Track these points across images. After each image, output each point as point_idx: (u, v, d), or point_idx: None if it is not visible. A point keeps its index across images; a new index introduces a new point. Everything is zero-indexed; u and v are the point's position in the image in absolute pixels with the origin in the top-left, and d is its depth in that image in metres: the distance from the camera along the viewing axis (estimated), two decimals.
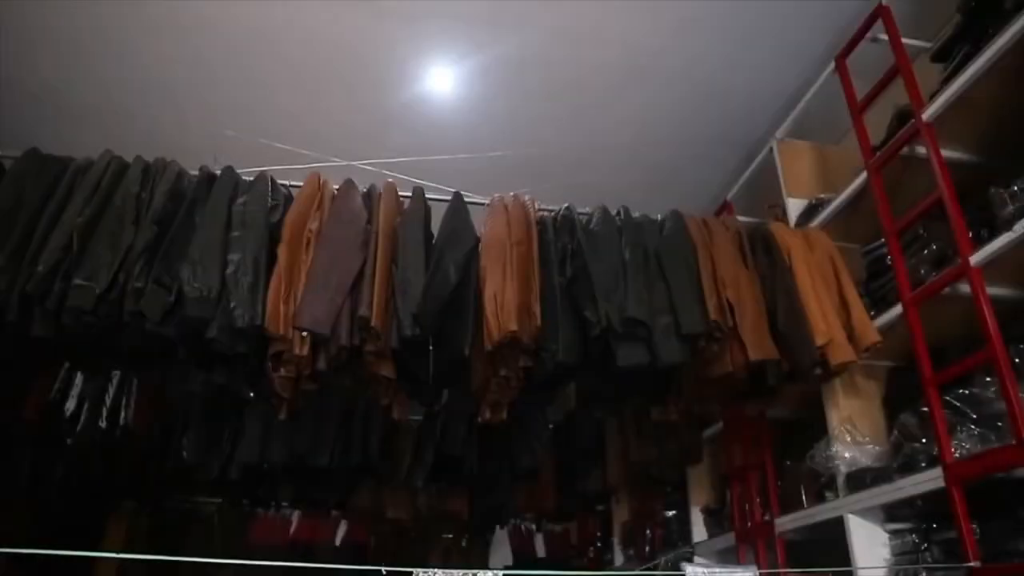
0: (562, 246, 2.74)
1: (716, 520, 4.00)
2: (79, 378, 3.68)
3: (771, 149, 3.69)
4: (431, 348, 2.59)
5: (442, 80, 3.59)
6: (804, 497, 3.13)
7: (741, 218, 3.55)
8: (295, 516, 5.69)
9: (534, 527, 6.20)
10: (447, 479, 4.35)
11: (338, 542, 5.77)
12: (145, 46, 3.43)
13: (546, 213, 2.88)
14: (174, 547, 5.73)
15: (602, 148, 3.98)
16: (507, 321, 2.41)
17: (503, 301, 2.45)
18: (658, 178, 4.23)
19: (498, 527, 5.81)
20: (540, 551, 6.17)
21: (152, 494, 5.02)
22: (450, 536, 6.09)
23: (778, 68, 3.57)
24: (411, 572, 1.82)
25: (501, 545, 6.05)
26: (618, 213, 2.89)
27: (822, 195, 3.30)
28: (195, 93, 3.61)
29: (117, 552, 5.63)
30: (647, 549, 4.73)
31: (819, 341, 2.59)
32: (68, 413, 3.65)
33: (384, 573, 1.84)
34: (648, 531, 4.75)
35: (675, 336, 2.55)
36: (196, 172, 2.64)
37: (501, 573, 1.82)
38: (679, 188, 4.21)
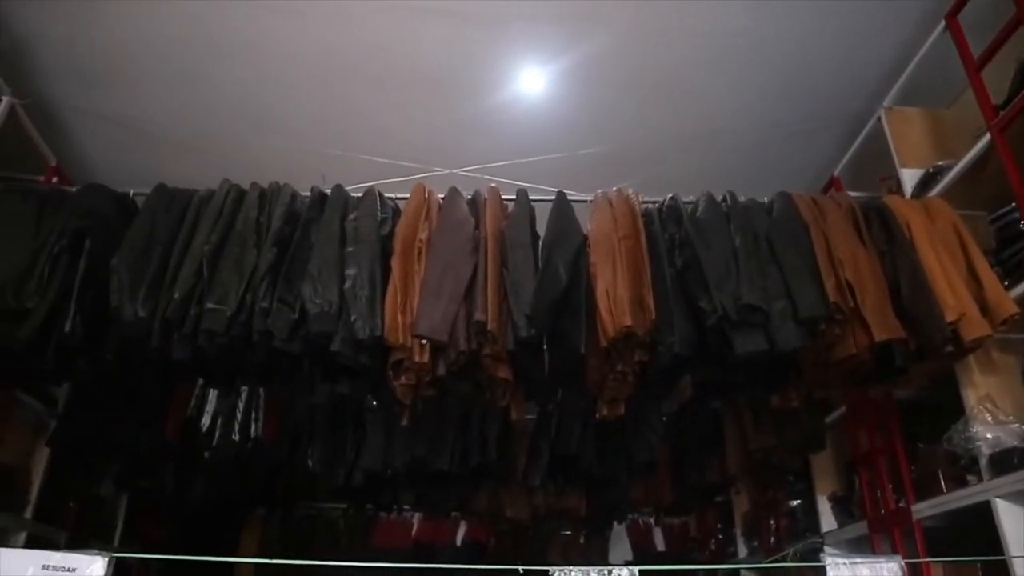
0: (669, 236, 2.71)
1: (844, 508, 3.86)
2: (212, 396, 3.91)
3: (879, 119, 3.53)
4: (545, 348, 2.62)
5: (533, 81, 3.60)
6: (942, 482, 2.97)
7: (852, 194, 3.41)
8: (416, 518, 5.84)
9: (652, 521, 6.14)
10: (563, 476, 4.37)
11: (459, 542, 5.89)
12: (243, 77, 3.60)
13: (650, 205, 2.85)
14: (303, 551, 6.00)
15: (698, 135, 3.89)
16: (621, 316, 2.40)
17: (616, 296, 2.44)
18: (758, 160, 4.10)
19: (616, 522, 5.80)
20: (660, 545, 6.11)
21: (281, 502, 5.26)
22: (567, 533, 6.12)
23: (879, 34, 3.40)
24: (548, 571, 1.84)
25: (620, 540, 6.03)
26: (724, 199, 2.84)
27: (939, 162, 3.14)
28: (296, 118, 3.75)
29: (252, 557, 5.97)
30: (772, 540, 4.61)
31: (950, 317, 2.45)
32: (204, 429, 3.88)
33: (521, 572, 1.87)
34: (772, 521, 4.63)
35: (792, 320, 2.48)
36: (307, 193, 2.76)
37: (637, 570, 1.80)
38: (781, 169, 4.08)
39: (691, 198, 2.87)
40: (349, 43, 3.41)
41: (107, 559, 1.75)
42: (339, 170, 2.80)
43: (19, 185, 3.04)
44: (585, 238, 2.65)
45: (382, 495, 4.71)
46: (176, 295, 2.43)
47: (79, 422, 3.85)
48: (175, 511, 5.09)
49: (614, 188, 2.85)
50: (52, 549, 3.24)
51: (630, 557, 5.95)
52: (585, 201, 2.86)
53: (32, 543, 3.87)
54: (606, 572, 1.87)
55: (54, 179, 3.82)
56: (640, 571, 1.83)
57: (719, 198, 2.84)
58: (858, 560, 2.16)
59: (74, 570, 1.75)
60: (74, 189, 2.97)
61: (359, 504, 5.11)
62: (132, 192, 2.95)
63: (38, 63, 3.63)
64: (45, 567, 1.73)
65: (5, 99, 3.48)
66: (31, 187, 3.10)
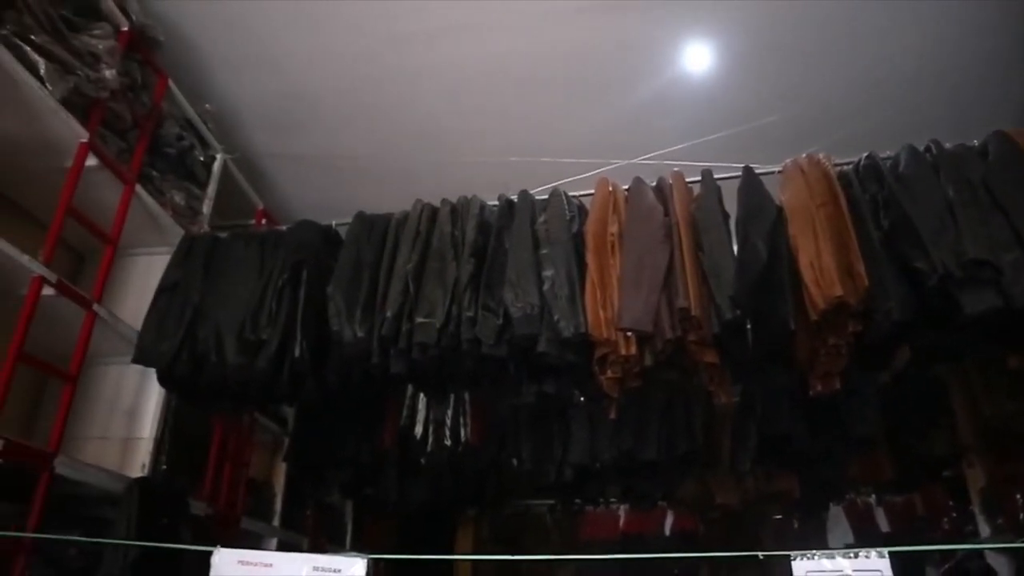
0: (871, 197, 2.56)
1: None
2: (422, 405, 4.14)
3: None
4: (749, 327, 2.54)
5: (699, 58, 3.52)
6: None
7: None
8: (622, 510, 5.86)
9: (872, 500, 5.77)
10: (774, 458, 4.20)
11: (667, 532, 5.84)
12: (421, 102, 3.81)
13: (845, 166, 2.70)
14: (515, 547, 6.21)
15: (884, 84, 3.61)
16: (830, 287, 2.29)
17: (821, 266, 2.34)
18: (954, 105, 3.74)
19: (832, 503, 5.50)
20: (883, 525, 5.72)
21: (491, 501, 5.46)
22: (779, 517, 5.89)
23: None
24: (788, 555, 1.79)
25: (838, 522, 5.72)
26: (928, 149, 2.63)
27: None
28: (474, 132, 3.92)
29: (467, 554, 6.26)
30: (1022, 516, 4.18)
31: None
32: (418, 437, 4.12)
33: (761, 558, 1.83)
34: (1020, 496, 4.19)
35: None
36: (495, 202, 2.86)
37: (887, 551, 1.70)
38: (982, 112, 3.67)
39: (889, 153, 2.68)
40: (515, 52, 3.51)
41: (366, 560, 1.91)
42: (521, 176, 2.89)
43: (241, 231, 3.39)
44: (780, 210, 2.55)
45: (588, 488, 4.76)
46: (388, 313, 2.60)
47: (308, 439, 4.23)
48: (396, 514, 5.44)
49: (803, 155, 2.72)
50: (297, 552, 3.57)
51: (850, 539, 5.63)
52: (774, 172, 2.76)
53: (281, 547, 4.31)
54: (852, 555, 1.78)
55: (263, 221, 4.22)
56: (890, 552, 1.73)
57: (921, 148, 2.63)
58: None
59: (339, 571, 1.92)
60: (285, 228, 3.26)
61: (566, 499, 5.20)
62: (334, 223, 3.19)
63: (240, 120, 4.04)
64: (315, 568, 1.92)
65: (219, 156, 3.90)
66: (250, 231, 3.45)
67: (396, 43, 3.51)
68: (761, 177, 2.72)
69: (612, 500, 5.60)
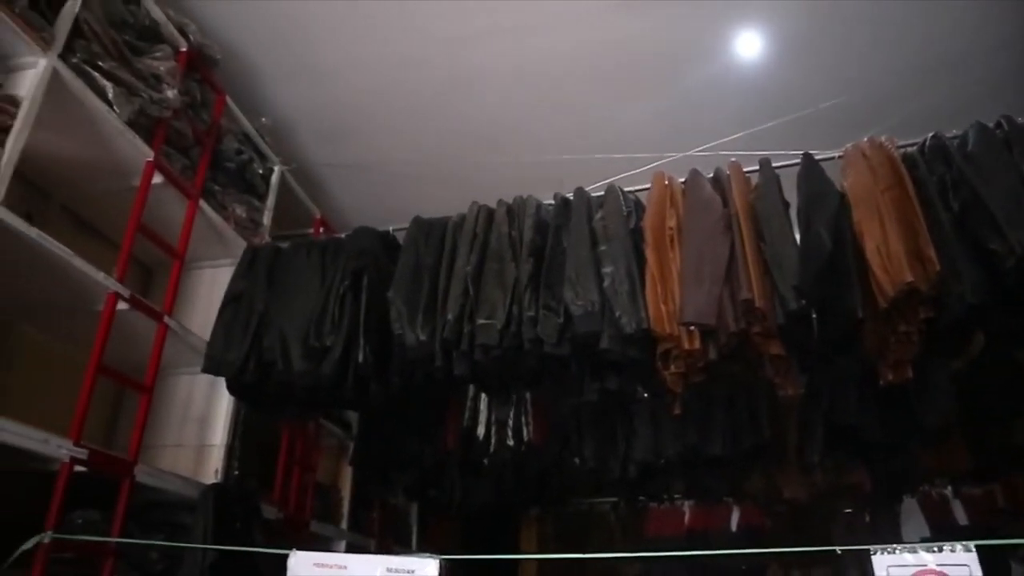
0: (939, 178, 2.47)
1: None
2: (483, 406, 4.17)
3: None
4: (814, 317, 2.49)
5: (749, 45, 3.46)
6: None
7: None
8: (687, 506, 5.79)
9: (949, 492, 5.57)
10: (843, 450, 4.10)
11: (733, 527, 5.75)
12: (471, 104, 3.85)
13: (909, 148, 2.62)
14: (579, 545, 6.20)
15: (946, 60, 3.49)
16: (899, 272, 2.23)
17: (889, 252, 2.28)
18: (1018, 76, 3.60)
19: (906, 496, 5.34)
20: (961, 518, 5.52)
21: (554, 500, 5.46)
22: (850, 511, 5.75)
23: None
24: (868, 549, 1.74)
25: (912, 515, 5.53)
26: (998, 125, 2.53)
27: None
28: (526, 131, 3.95)
29: (532, 554, 6.28)
30: None
31: None
32: (480, 438, 4.15)
33: (839, 553, 1.79)
34: None
35: None
36: (551, 201, 2.86)
37: (973, 544, 1.65)
38: None
39: (956, 132, 2.59)
40: (563, 50, 3.52)
41: (438, 561, 1.93)
42: (576, 173, 2.88)
43: (301, 240, 3.46)
44: (843, 197, 2.49)
45: (652, 485, 4.73)
46: (449, 316, 2.62)
47: (372, 442, 4.30)
48: (460, 515, 5.48)
49: (864, 138, 2.65)
50: (364, 553, 3.63)
51: (926, 533, 5.43)
52: (834, 158, 2.69)
53: (349, 549, 4.39)
54: (936, 548, 1.73)
55: (321, 229, 4.30)
56: (976, 546, 1.67)
57: (991, 125, 2.54)
58: None
59: (412, 572, 1.95)
60: (343, 235, 3.31)
61: (630, 496, 5.17)
62: (392, 229, 3.23)
63: (295, 132, 4.13)
64: (389, 569, 1.95)
65: (276, 168, 4.00)
66: (310, 240, 3.52)
67: (445, 47, 3.55)
68: (822, 163, 2.66)
69: (676, 496, 5.54)
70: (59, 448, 2.42)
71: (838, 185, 2.55)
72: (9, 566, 2.24)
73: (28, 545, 2.24)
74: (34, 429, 2.33)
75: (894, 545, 1.72)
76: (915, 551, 1.67)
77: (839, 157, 2.67)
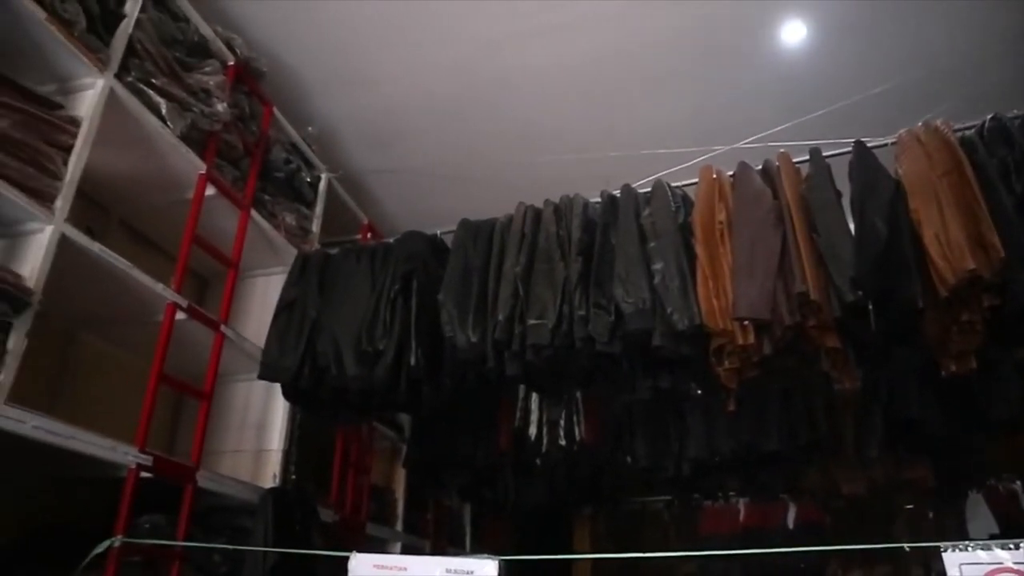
0: (1000, 161, 2.40)
1: None
2: (535, 406, 4.17)
3: None
4: (871, 308, 2.43)
5: (794, 32, 3.40)
6: None
7: None
8: (742, 503, 5.71)
9: (1018, 486, 5.39)
10: (904, 444, 4.00)
11: (791, 524, 5.65)
12: (514, 105, 3.87)
13: (966, 132, 2.54)
14: (631, 544, 6.15)
15: (1006, 36, 3.36)
16: (960, 260, 2.17)
17: (949, 239, 2.21)
18: None
19: (971, 491, 5.18)
20: None
21: (607, 499, 5.44)
22: (911, 507, 5.60)
23: None
24: (938, 546, 1.69)
25: (978, 511, 5.36)
26: None
27: None
28: (571, 130, 3.95)
29: (585, 553, 6.25)
30: None
31: None
32: (532, 438, 4.15)
33: (907, 550, 1.74)
34: None
35: None
36: (597, 199, 2.85)
37: None
38: None
39: (1016, 112, 2.50)
40: (605, 47, 3.51)
41: (497, 562, 1.94)
42: (622, 170, 2.86)
43: (351, 246, 3.50)
44: (898, 184, 2.43)
45: (706, 483, 4.67)
46: (500, 317, 2.63)
47: (424, 444, 4.34)
48: (513, 515, 5.49)
49: (919, 123, 2.58)
50: (419, 555, 3.65)
51: (995, 530, 5.26)
52: (886, 144, 2.63)
53: (405, 551, 4.43)
54: (1012, 546, 1.66)
55: (368, 235, 4.35)
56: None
57: None
58: None
59: (471, 572, 1.95)
60: (392, 240, 3.35)
61: (683, 494, 5.12)
62: (439, 232, 3.25)
63: (340, 139, 4.20)
64: (448, 570, 1.96)
65: (323, 176, 4.06)
66: (359, 245, 3.56)
67: (486, 49, 3.57)
68: (874, 151, 2.60)
69: (731, 494, 5.46)
70: (126, 455, 2.50)
71: (892, 172, 2.49)
72: (83, 569, 2.32)
73: (100, 549, 2.32)
74: (103, 437, 2.41)
75: (966, 542, 1.66)
76: (989, 548, 1.61)
77: (892, 144, 2.61)
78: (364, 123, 4.13)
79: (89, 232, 2.61)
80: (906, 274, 2.27)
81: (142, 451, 2.56)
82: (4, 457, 2.04)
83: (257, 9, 3.50)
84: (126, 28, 2.73)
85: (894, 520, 5.59)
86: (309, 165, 3.99)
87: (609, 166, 3.13)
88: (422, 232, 3.23)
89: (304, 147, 3.97)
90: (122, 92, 2.68)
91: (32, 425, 2.16)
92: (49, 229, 2.34)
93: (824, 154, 2.67)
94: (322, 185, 4.06)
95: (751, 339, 2.32)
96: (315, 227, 3.95)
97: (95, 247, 2.53)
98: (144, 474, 2.55)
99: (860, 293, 2.25)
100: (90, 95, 2.57)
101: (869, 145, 2.62)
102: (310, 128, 4.02)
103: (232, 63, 3.34)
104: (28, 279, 2.25)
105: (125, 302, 2.86)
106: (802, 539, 5.53)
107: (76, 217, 2.49)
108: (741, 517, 5.76)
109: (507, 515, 5.50)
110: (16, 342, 2.18)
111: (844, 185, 2.53)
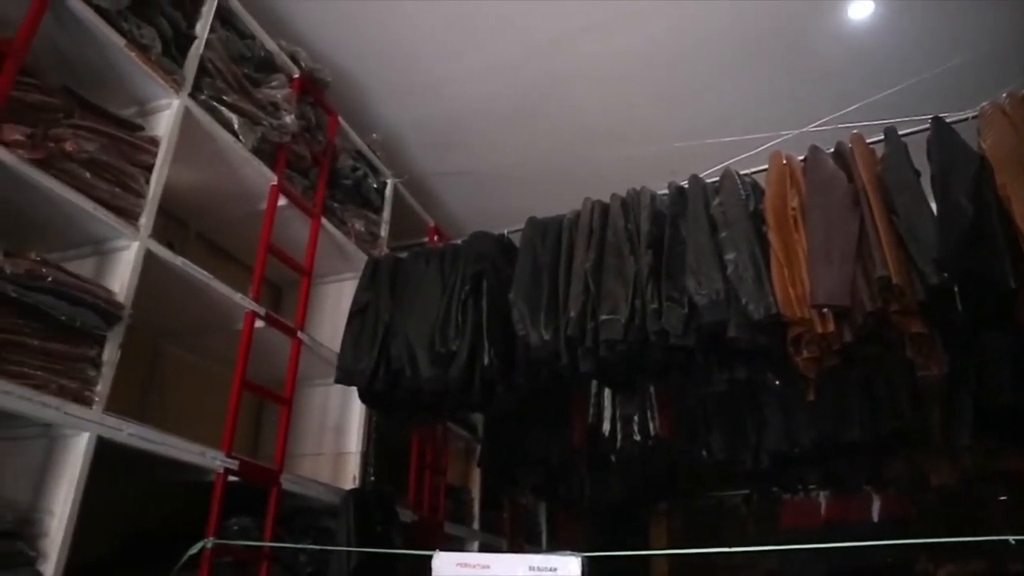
0: None
1: None
2: (608, 401, 4.14)
3: None
4: (956, 290, 2.34)
5: (862, 8, 3.28)
6: None
7: None
8: (823, 496, 5.56)
9: None
10: (997, 433, 3.82)
11: (875, 517, 5.48)
12: (576, 101, 3.85)
13: None
14: (709, 539, 6.05)
15: None
16: None
17: None
18: None
19: None
20: None
21: (683, 494, 5.37)
22: (1005, 498, 5.35)
23: None
24: None
25: None
26: None
27: None
28: (634, 122, 3.92)
29: (663, 549, 6.19)
30: None
31: None
32: (606, 434, 4.13)
33: (1012, 543, 1.67)
34: None
35: None
36: (665, 191, 2.82)
37: None
38: None
39: None
40: (663, 36, 3.47)
41: (580, 559, 1.94)
42: (688, 160, 2.83)
43: (419, 249, 3.55)
44: (982, 160, 2.32)
45: (786, 476, 4.56)
46: (572, 314, 2.63)
47: (498, 443, 4.36)
48: (589, 512, 5.47)
49: (1003, 95, 2.46)
50: (498, 552, 3.68)
51: None
52: (967, 119, 2.52)
53: (482, 549, 4.47)
54: None
55: (435, 237, 4.40)
56: None
57: None
58: None
59: (555, 570, 1.96)
60: (460, 241, 3.38)
61: (762, 488, 5.00)
62: (507, 231, 3.27)
63: (404, 144, 4.26)
64: (531, 568, 1.97)
65: (390, 181, 4.13)
66: (428, 248, 3.61)
67: (544, 47, 3.56)
68: (954, 126, 2.49)
69: (811, 486, 5.31)
70: (214, 460, 2.59)
71: (976, 148, 2.39)
72: (178, 571, 2.41)
73: (194, 550, 2.41)
74: (192, 443, 2.51)
75: None
76: None
77: (973, 118, 2.50)
78: (426, 127, 4.18)
79: (170, 247, 2.72)
80: (995, 253, 2.17)
81: (228, 455, 2.65)
82: (100, 466, 2.14)
83: (318, 22, 3.58)
84: (197, 49, 2.82)
85: (986, 512, 5.36)
86: (375, 171, 4.06)
87: (675, 157, 3.10)
88: (489, 232, 3.24)
89: (369, 154, 4.04)
90: (196, 110, 2.78)
91: (128, 432, 2.27)
92: (135, 245, 2.44)
93: (900, 132, 2.58)
94: (388, 190, 4.13)
95: (830, 327, 2.26)
96: (383, 232, 4.02)
97: (178, 261, 2.63)
98: (231, 478, 2.64)
99: (945, 275, 2.16)
100: (167, 115, 2.68)
101: (948, 121, 2.52)
102: (374, 135, 4.09)
103: (297, 75, 3.42)
104: (118, 294, 2.35)
105: (206, 312, 2.97)
106: (888, 533, 5.36)
107: (158, 232, 2.59)
108: (823, 511, 5.62)
109: (582, 512, 5.49)
110: (110, 354, 2.28)
111: (922, 164, 2.44)
